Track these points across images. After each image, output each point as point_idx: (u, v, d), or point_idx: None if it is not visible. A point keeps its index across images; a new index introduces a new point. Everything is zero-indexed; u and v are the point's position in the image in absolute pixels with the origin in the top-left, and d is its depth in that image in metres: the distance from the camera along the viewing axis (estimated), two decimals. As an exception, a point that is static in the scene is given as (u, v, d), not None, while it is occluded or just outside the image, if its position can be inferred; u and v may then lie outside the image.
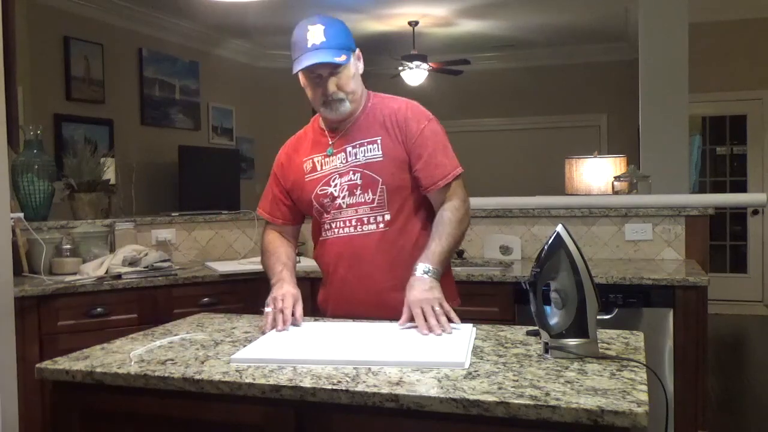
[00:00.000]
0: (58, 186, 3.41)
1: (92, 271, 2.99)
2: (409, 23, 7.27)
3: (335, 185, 1.93)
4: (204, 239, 3.75)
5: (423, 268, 1.79)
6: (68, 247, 3.17)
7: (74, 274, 3.02)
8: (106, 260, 3.08)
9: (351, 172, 1.92)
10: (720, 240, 7.12)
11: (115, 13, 6.33)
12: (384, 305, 1.86)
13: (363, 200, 1.91)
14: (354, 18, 7.15)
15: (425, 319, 1.69)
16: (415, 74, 7.45)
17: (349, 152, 1.93)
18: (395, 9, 6.82)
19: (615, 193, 4.16)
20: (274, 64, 8.39)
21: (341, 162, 1.93)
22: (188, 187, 6.23)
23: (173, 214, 3.77)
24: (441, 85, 8.36)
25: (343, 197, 1.92)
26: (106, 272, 3.00)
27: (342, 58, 1.82)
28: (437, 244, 1.83)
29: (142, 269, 3.05)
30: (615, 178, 4.31)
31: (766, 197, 3.43)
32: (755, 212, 6.99)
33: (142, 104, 6.74)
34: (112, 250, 3.29)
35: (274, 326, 1.76)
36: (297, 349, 1.59)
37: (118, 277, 2.97)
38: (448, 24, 7.43)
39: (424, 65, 7.41)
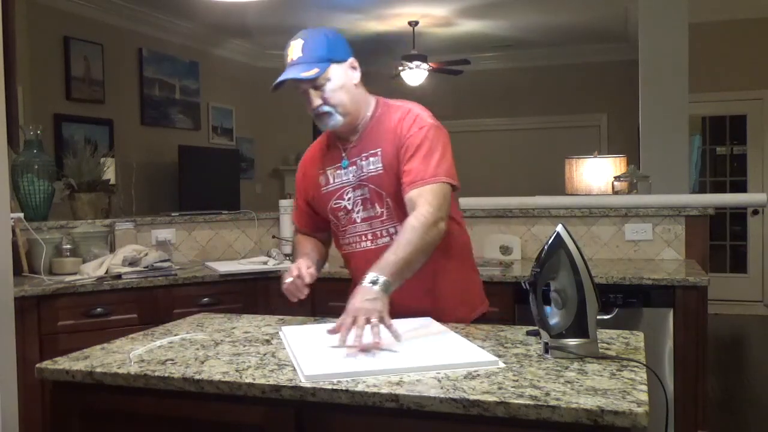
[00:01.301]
0: (58, 186, 3.41)
1: (92, 271, 2.99)
2: (409, 23, 7.27)
3: (348, 199, 1.92)
4: (204, 239, 3.75)
5: (371, 277, 1.64)
6: (68, 247, 3.16)
7: (74, 274, 3.02)
8: (106, 260, 3.08)
9: (361, 186, 1.89)
10: (720, 240, 7.12)
11: (115, 13, 6.33)
12: (398, 316, 1.83)
13: (374, 214, 1.89)
14: (354, 18, 7.15)
15: (358, 331, 1.53)
16: (415, 74, 7.45)
17: (359, 165, 1.90)
18: (395, 9, 6.82)
19: (615, 193, 4.16)
20: (274, 64, 8.35)
21: (353, 175, 1.91)
22: (188, 187, 6.22)
23: (173, 214, 3.77)
24: (441, 85, 8.35)
25: (357, 211, 1.91)
26: (106, 272, 3.00)
27: (311, 72, 1.77)
28: (393, 253, 1.69)
29: (142, 269, 3.05)
30: (615, 178, 4.30)
31: (766, 197, 3.43)
32: (755, 212, 6.99)
33: (142, 104, 6.74)
34: (112, 250, 3.29)
35: (295, 294, 1.81)
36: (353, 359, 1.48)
37: (118, 277, 2.97)
38: (448, 24, 7.43)
39: (424, 65, 7.41)
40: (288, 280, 1.84)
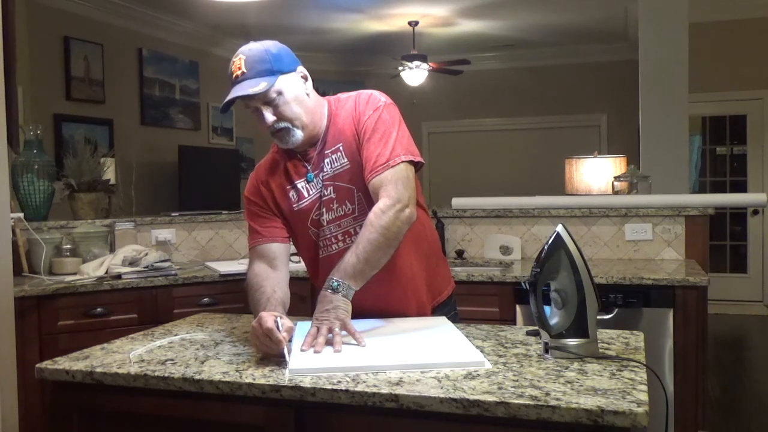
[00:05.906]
0: (58, 186, 3.41)
1: (92, 271, 2.99)
2: (409, 23, 7.27)
3: (318, 206, 1.82)
4: (204, 239, 3.75)
5: (330, 283, 1.62)
6: (68, 247, 3.17)
7: (74, 274, 3.02)
8: (106, 260, 3.08)
9: (324, 188, 1.79)
10: (720, 240, 7.13)
11: (115, 13, 6.33)
12: (386, 315, 1.81)
13: (343, 213, 1.79)
14: (354, 18, 7.15)
15: (323, 339, 1.54)
16: (415, 74, 7.45)
17: (322, 167, 1.81)
18: (395, 9, 6.82)
19: (615, 193, 4.16)
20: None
21: (321, 181, 1.81)
22: (188, 187, 6.23)
23: (173, 214, 3.77)
24: (441, 85, 8.36)
25: (323, 215, 1.80)
26: (106, 272, 3.00)
27: (259, 87, 1.65)
28: (352, 254, 1.64)
29: (142, 269, 3.05)
30: (615, 178, 4.30)
31: (766, 197, 3.43)
32: (755, 212, 6.99)
33: (142, 104, 6.75)
34: (112, 250, 3.29)
35: (266, 351, 1.49)
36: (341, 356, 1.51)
37: (118, 277, 2.97)
38: (448, 24, 7.43)
39: (424, 65, 7.41)
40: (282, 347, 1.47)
